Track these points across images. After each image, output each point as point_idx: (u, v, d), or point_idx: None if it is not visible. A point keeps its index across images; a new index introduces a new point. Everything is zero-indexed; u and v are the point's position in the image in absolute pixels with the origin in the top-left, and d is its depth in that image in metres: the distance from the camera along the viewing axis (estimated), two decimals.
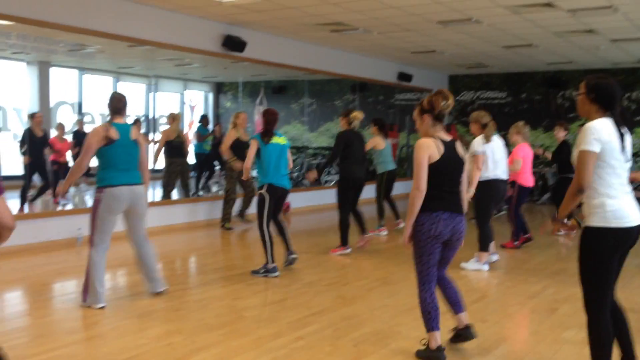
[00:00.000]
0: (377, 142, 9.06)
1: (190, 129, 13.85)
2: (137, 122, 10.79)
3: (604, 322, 3.27)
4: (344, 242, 7.60)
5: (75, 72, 12.29)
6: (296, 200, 11.43)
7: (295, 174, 13.23)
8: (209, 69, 14.22)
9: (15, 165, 9.51)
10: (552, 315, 5.12)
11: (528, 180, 7.91)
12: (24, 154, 9.04)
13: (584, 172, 3.15)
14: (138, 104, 13.30)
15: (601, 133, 3.12)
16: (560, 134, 9.00)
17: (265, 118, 6.42)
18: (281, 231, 6.73)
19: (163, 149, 9.87)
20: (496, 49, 12.26)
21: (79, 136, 11.52)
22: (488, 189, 6.71)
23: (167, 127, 10.23)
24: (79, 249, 7.67)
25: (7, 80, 10.50)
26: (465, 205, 4.09)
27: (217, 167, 13.28)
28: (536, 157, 8.60)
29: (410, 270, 6.62)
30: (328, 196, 12.72)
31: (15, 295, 5.88)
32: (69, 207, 9.75)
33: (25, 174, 8.96)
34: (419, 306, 4.00)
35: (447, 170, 3.92)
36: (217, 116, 15.48)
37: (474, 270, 6.69)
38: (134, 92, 13.72)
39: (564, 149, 8.99)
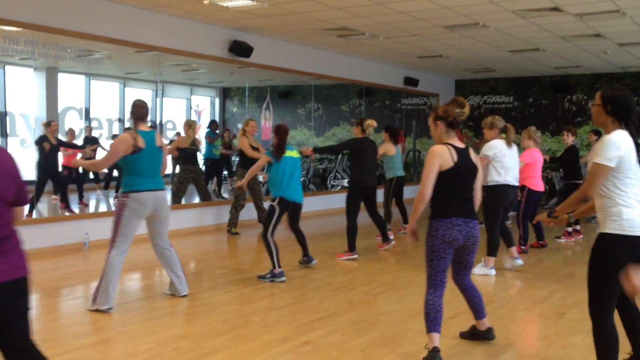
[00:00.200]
0: (388, 148, 9.12)
1: (197, 134, 13.87)
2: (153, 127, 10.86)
3: (609, 327, 3.30)
4: (351, 248, 7.61)
5: (83, 77, 12.35)
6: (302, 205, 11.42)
7: (302, 179, 13.24)
8: (215, 74, 14.25)
9: (26, 170, 9.54)
10: (560, 320, 5.10)
11: (538, 185, 7.88)
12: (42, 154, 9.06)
13: (594, 183, 3.22)
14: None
15: (620, 147, 3.18)
16: (569, 139, 8.95)
17: (279, 135, 6.52)
18: (301, 240, 6.91)
19: (174, 155, 9.94)
20: (503, 53, 12.24)
21: (88, 142, 11.58)
22: (497, 193, 6.69)
23: (172, 132, 10.28)
24: (87, 254, 7.70)
25: (15, 86, 10.56)
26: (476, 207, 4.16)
27: (225, 173, 13.31)
28: (544, 162, 8.59)
29: (417, 275, 6.65)
30: (334, 201, 12.73)
31: None
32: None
33: (37, 180, 9.00)
34: (423, 309, 4.03)
35: (460, 177, 3.97)
36: (223, 121, 15.51)
37: (481, 275, 6.67)
38: (141, 97, 13.77)
39: (572, 154, 8.94)
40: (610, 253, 3.25)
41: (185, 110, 15.00)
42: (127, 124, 12.94)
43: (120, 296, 5.80)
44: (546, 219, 3.72)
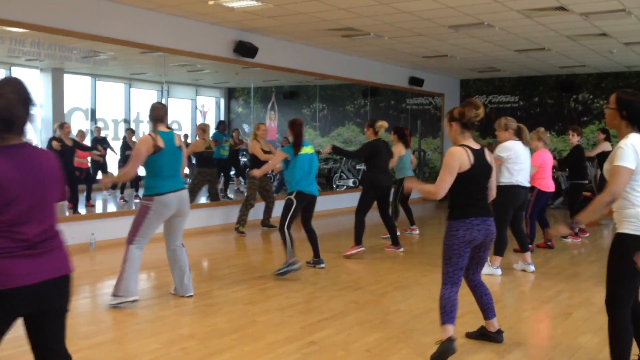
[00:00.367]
0: (397, 149, 9.15)
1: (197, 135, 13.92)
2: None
3: (624, 321, 3.41)
4: (358, 242, 7.66)
5: (89, 78, 12.39)
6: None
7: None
8: (220, 75, 14.28)
9: None
10: (567, 320, 5.08)
11: (547, 185, 7.86)
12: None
13: (618, 185, 3.32)
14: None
15: (637, 151, 3.31)
16: (574, 139, 8.92)
17: (295, 130, 6.65)
18: (312, 239, 6.94)
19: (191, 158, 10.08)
20: (508, 52, 12.22)
21: (97, 143, 11.62)
22: (509, 194, 6.66)
23: (177, 132, 10.32)
24: (93, 254, 7.72)
25: None
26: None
27: (233, 173, 13.34)
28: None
29: (423, 275, 6.64)
30: (339, 201, 12.73)
31: None
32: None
33: None
34: (438, 303, 4.08)
35: (477, 178, 4.07)
36: (228, 122, 15.54)
37: (487, 275, 6.64)
38: (146, 98, 13.81)
39: (577, 154, 8.91)
40: (627, 252, 3.33)
41: (191, 111, 15.04)
42: (132, 125, 13.01)
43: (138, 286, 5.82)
44: (566, 231, 3.75)
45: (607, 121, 3.55)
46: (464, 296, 4.53)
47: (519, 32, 10.19)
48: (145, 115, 13.58)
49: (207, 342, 4.38)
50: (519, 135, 6.79)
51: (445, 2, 8.15)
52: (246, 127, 14.25)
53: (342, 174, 14.37)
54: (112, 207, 11.39)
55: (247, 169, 14.16)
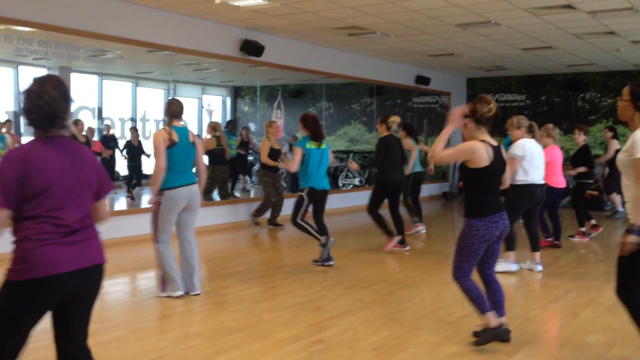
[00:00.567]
0: (406, 145, 9.17)
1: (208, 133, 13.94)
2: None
3: None
4: (389, 233, 7.82)
5: (95, 77, 12.43)
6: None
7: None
8: (226, 74, 14.30)
9: None
10: (574, 319, 5.06)
11: (558, 182, 7.84)
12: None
13: None
14: (156, 109, 13.42)
15: None
16: (580, 138, 8.88)
17: (311, 125, 6.79)
18: (323, 232, 6.96)
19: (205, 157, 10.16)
20: (515, 51, 12.18)
21: (106, 140, 11.67)
22: (524, 192, 6.64)
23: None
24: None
25: (25, 88, 10.66)
26: None
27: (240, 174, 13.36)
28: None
29: (429, 274, 6.63)
30: (345, 200, 12.72)
31: None
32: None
33: None
34: (464, 296, 4.21)
35: (495, 175, 4.13)
36: (234, 120, 15.56)
37: (503, 271, 6.64)
38: (153, 97, 13.84)
39: (584, 153, 8.86)
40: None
41: (197, 110, 15.07)
42: (139, 123, 13.05)
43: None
44: (633, 247, 3.46)
45: (620, 113, 3.59)
46: None
47: (526, 31, 10.15)
48: (151, 113, 13.65)
49: (214, 340, 4.39)
50: (530, 132, 6.79)
51: (452, 0, 8.13)
52: (252, 126, 14.26)
53: (348, 172, 14.36)
54: (120, 206, 11.43)
55: (254, 167, 14.22)
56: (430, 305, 5.42)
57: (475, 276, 4.32)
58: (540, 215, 7.85)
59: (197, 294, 5.57)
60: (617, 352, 4.25)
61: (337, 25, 9.92)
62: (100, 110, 12.57)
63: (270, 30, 10.41)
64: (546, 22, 9.44)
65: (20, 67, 10.76)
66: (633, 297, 3.50)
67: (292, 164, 6.78)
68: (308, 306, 5.38)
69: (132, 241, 8.20)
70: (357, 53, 12.79)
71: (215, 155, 10.11)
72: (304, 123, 6.83)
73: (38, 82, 2.59)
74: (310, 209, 7.01)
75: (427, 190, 14.74)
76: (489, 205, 4.09)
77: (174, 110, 5.43)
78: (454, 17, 9.18)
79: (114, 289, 5.90)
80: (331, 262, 6.96)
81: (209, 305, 5.35)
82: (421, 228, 9.54)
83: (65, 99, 2.61)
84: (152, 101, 13.74)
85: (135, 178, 12.00)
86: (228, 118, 15.26)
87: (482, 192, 4.08)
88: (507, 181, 4.36)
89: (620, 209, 11.40)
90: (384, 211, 7.89)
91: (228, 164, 10.48)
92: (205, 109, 15.41)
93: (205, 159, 10.19)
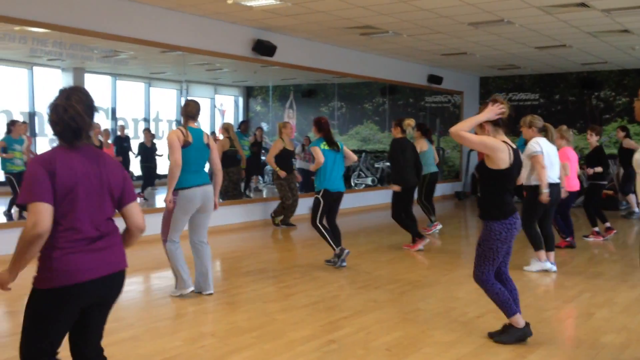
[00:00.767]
0: (420, 145, 9.19)
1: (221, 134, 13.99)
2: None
3: None
4: (419, 235, 7.95)
5: (109, 78, 12.50)
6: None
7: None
8: (239, 74, 14.33)
9: None
10: (589, 320, 5.03)
11: (572, 185, 7.79)
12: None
13: None
14: (169, 109, 13.48)
15: None
16: (593, 138, 8.80)
17: (324, 126, 6.84)
18: (335, 236, 6.98)
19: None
20: (528, 49, 12.10)
21: (120, 142, 11.74)
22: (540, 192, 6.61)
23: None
24: None
25: (43, 87, 10.73)
26: None
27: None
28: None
29: (443, 274, 6.61)
30: (358, 199, 12.70)
31: None
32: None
33: None
34: (492, 300, 4.28)
35: (513, 177, 4.15)
36: (247, 121, 15.60)
37: (538, 271, 6.67)
38: (166, 97, 13.90)
39: (597, 154, 8.77)
40: None
41: (210, 110, 15.10)
42: (152, 124, 13.11)
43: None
44: None
45: (637, 113, 3.58)
46: (483, 296, 4.49)
47: (540, 29, 10.08)
48: (164, 114, 13.71)
49: (227, 340, 4.40)
50: (544, 134, 6.74)
51: None
52: (265, 126, 14.28)
53: (360, 172, 14.35)
54: None
55: (266, 167, 14.23)
56: (443, 305, 5.40)
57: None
58: (555, 216, 7.81)
59: (211, 294, 5.59)
60: (633, 353, 4.21)
61: (349, 25, 9.91)
62: (114, 111, 12.64)
63: (282, 30, 10.42)
64: (560, 21, 9.37)
65: (35, 68, 10.85)
66: None
67: (318, 159, 6.80)
68: (321, 306, 5.38)
69: (146, 241, 8.21)
70: (369, 52, 12.78)
71: (228, 156, 10.14)
72: (318, 126, 6.87)
73: (64, 95, 2.62)
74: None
75: (439, 189, 14.68)
76: (506, 206, 4.10)
77: (190, 111, 5.45)
78: (467, 16, 9.14)
79: (128, 288, 5.89)
80: (344, 264, 6.96)
81: (222, 305, 5.37)
82: (440, 227, 9.61)
83: (90, 112, 2.66)
84: (165, 101, 13.80)
85: (147, 179, 12.04)
86: (240, 118, 15.29)
87: (500, 193, 4.09)
88: (522, 179, 4.42)
89: (636, 209, 11.30)
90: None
91: (240, 165, 10.51)
92: (218, 109, 15.45)
93: (223, 159, 10.31)
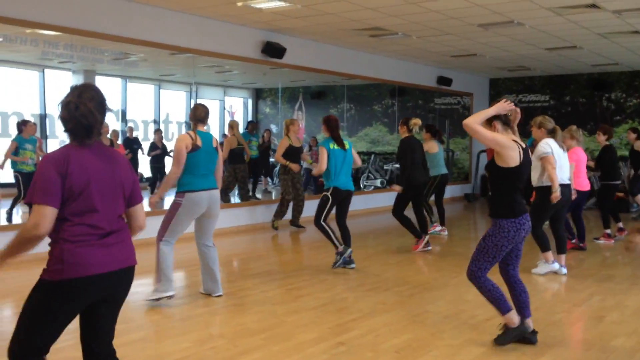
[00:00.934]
0: (430, 146, 9.15)
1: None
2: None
3: None
4: (418, 235, 7.89)
5: (119, 80, 12.55)
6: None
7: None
8: (248, 76, 14.35)
9: None
10: (600, 323, 5.00)
11: (582, 184, 7.75)
12: None
13: None
14: (179, 111, 13.52)
15: None
16: (601, 138, 8.76)
17: (333, 125, 6.83)
18: (345, 237, 6.99)
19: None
20: (539, 51, 12.05)
21: (129, 143, 11.80)
22: (551, 193, 6.58)
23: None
24: None
25: (54, 89, 10.80)
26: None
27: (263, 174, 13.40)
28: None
29: (452, 277, 6.59)
30: (367, 201, 12.70)
31: None
32: None
33: None
34: (485, 298, 4.23)
35: (523, 175, 4.13)
36: (256, 122, 15.62)
37: (546, 273, 6.64)
38: (175, 99, 13.94)
39: (607, 153, 8.73)
40: None
41: (219, 112, 15.13)
42: (162, 126, 13.16)
43: (174, 281, 5.87)
44: None
45: None
46: None
47: (550, 30, 10.04)
48: (173, 115, 13.76)
49: (236, 342, 4.41)
50: (552, 136, 6.71)
51: (474, 0, 8.08)
52: (274, 128, 14.30)
53: (369, 174, 14.33)
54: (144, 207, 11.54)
55: (275, 169, 14.26)
56: (452, 307, 5.39)
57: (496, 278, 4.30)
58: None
59: (220, 295, 5.61)
60: None
61: (359, 27, 9.91)
62: (124, 113, 12.69)
63: (291, 32, 10.44)
64: (570, 22, 9.33)
65: (47, 70, 10.91)
66: None
67: (320, 164, 6.80)
68: (330, 308, 5.38)
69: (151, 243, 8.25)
70: (379, 54, 12.77)
71: (236, 154, 10.20)
72: (327, 125, 6.87)
73: (76, 93, 2.63)
74: (333, 210, 7.01)
75: (449, 191, 14.63)
76: (517, 205, 4.09)
77: (199, 115, 5.45)
78: (476, 18, 9.12)
79: (138, 289, 5.94)
80: (353, 265, 6.95)
81: (231, 307, 5.38)
82: (438, 229, 9.50)
83: (102, 110, 2.68)
84: (174, 103, 13.85)
85: (159, 179, 12.09)
86: (250, 120, 15.32)
87: (510, 192, 4.08)
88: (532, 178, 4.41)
89: None
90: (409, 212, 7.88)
91: (246, 163, 10.55)
92: (227, 111, 15.48)
93: (231, 157, 10.34)
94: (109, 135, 10.33)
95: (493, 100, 16.22)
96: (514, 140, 4.07)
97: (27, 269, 2.64)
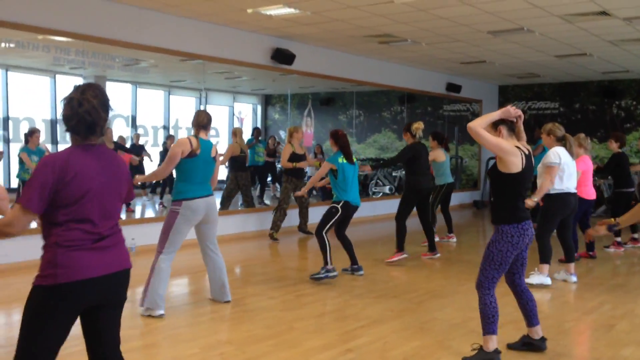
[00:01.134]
0: (437, 155, 9.10)
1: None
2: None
3: None
4: (400, 248, 7.69)
5: (130, 86, 12.63)
6: None
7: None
8: (257, 82, 14.40)
9: None
10: (610, 331, 4.96)
11: (588, 193, 7.71)
12: None
13: None
14: (188, 117, 13.58)
15: None
16: (614, 145, 8.72)
17: (343, 141, 6.78)
18: (347, 247, 6.97)
19: (227, 163, 10.24)
20: (548, 58, 12.02)
21: (136, 149, 11.86)
22: (559, 202, 6.55)
23: (215, 139, 10.48)
24: (133, 259, 7.82)
25: (66, 95, 10.90)
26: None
27: (269, 179, 13.41)
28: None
29: (461, 284, 6.56)
30: (375, 208, 12.68)
31: None
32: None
33: None
34: (479, 309, 4.10)
35: (525, 181, 4.10)
36: (265, 128, 15.66)
37: (537, 284, 6.52)
38: (185, 105, 14.01)
39: (617, 160, 8.68)
40: None
41: (228, 118, 15.19)
42: (171, 132, 13.22)
43: (165, 301, 5.88)
44: (604, 231, 3.89)
45: None
46: (503, 307, 4.46)
47: (560, 38, 10.02)
48: (183, 121, 13.81)
49: (244, 348, 4.42)
50: (562, 143, 6.69)
51: (484, 7, 8.07)
52: (282, 134, 14.34)
53: (378, 180, 14.32)
54: (150, 213, 11.58)
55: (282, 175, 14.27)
56: (461, 315, 5.37)
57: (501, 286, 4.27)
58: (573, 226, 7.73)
59: (228, 301, 5.61)
60: None
61: (368, 33, 9.92)
62: (134, 119, 12.76)
63: (301, 39, 10.47)
64: (581, 29, 9.30)
65: (58, 76, 11.00)
66: None
67: (316, 175, 6.93)
68: (338, 315, 5.37)
69: None
70: (388, 61, 12.78)
71: (238, 162, 10.17)
72: (335, 139, 6.80)
73: (79, 90, 2.61)
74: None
75: (457, 198, 14.62)
76: (520, 211, 4.05)
77: (201, 121, 5.41)
78: (486, 25, 9.11)
79: None
80: (361, 272, 6.95)
81: (239, 313, 5.39)
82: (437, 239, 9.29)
83: (105, 108, 2.64)
84: (184, 109, 13.91)
85: (168, 185, 12.14)
86: (259, 126, 15.37)
87: (512, 198, 4.05)
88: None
89: None
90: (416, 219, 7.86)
91: (248, 171, 10.52)
92: (237, 117, 15.54)
93: (234, 164, 10.33)
94: (115, 140, 10.37)
95: (502, 107, 16.22)
96: (517, 147, 4.04)
97: (33, 274, 2.63)
